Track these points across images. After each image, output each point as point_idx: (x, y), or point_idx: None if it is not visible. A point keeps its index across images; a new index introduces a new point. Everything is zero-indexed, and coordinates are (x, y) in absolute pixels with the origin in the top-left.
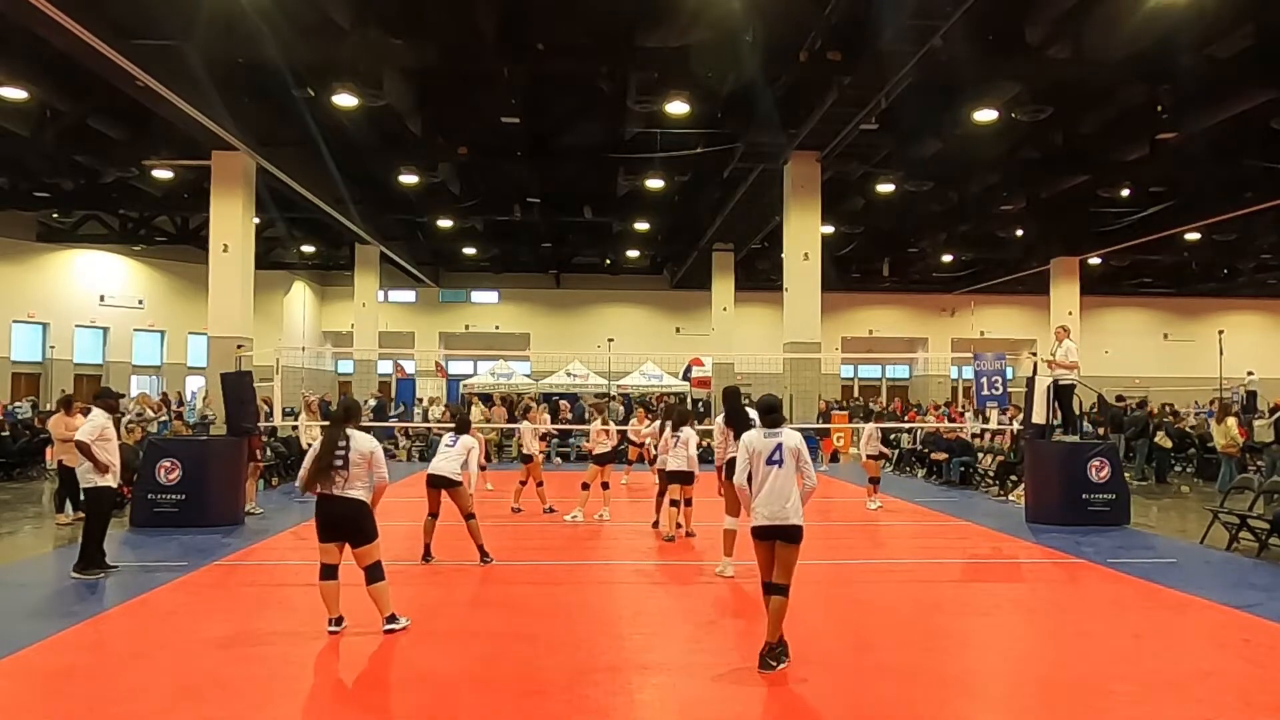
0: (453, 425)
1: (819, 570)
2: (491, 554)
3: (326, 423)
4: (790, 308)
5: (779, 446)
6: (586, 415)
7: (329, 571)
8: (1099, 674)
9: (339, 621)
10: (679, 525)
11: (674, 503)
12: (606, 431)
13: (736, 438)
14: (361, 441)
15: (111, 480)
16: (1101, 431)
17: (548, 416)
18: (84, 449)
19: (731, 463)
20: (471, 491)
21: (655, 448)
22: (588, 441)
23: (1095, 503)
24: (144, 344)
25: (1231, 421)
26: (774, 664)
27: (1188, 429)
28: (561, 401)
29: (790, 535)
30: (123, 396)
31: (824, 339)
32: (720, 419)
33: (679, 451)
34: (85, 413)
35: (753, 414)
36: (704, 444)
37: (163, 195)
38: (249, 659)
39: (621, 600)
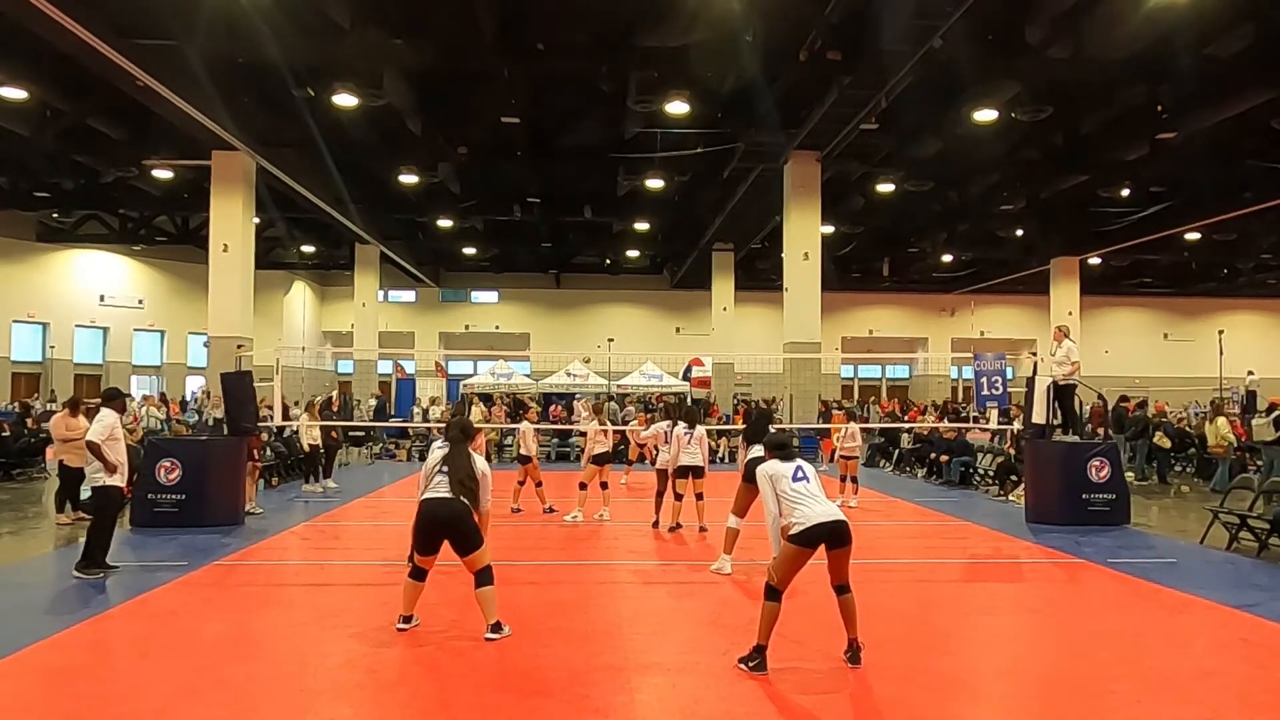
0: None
1: (819, 570)
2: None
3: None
4: (790, 308)
5: (799, 467)
6: (578, 414)
7: (419, 574)
8: (1099, 674)
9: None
10: (686, 523)
11: (679, 496)
12: (605, 432)
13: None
14: (478, 462)
15: (119, 480)
16: (1101, 431)
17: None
18: (94, 449)
19: (752, 461)
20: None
21: (656, 448)
22: (586, 440)
23: (1095, 503)
24: (144, 344)
25: (1222, 421)
26: (860, 658)
27: (1187, 429)
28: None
29: (847, 534)
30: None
31: (824, 339)
32: (742, 436)
33: (693, 448)
34: (90, 414)
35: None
36: (714, 444)
37: (163, 195)
38: (249, 659)
39: (621, 600)
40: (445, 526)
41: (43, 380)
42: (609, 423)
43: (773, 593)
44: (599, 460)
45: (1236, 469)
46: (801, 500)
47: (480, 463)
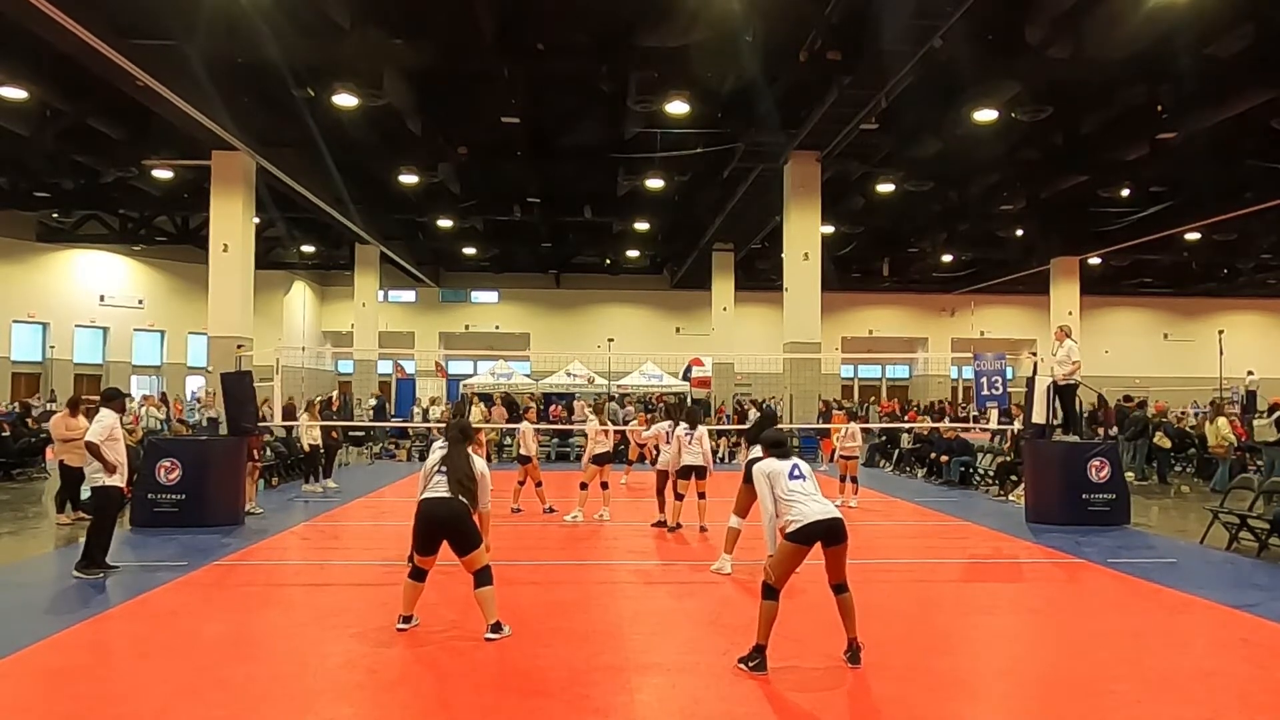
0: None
1: (818, 570)
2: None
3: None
4: (790, 308)
5: (795, 465)
6: (580, 413)
7: (419, 574)
8: (1099, 674)
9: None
10: (688, 523)
11: (680, 496)
12: (605, 432)
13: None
14: (476, 462)
15: (119, 480)
16: (1101, 432)
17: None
18: (93, 449)
19: (749, 464)
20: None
21: (657, 447)
22: (587, 440)
23: (1095, 503)
24: (144, 344)
25: (1222, 421)
26: (859, 658)
27: (1188, 429)
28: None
29: (843, 532)
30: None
31: (824, 339)
32: (745, 437)
33: (694, 448)
34: (90, 414)
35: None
36: (714, 444)
37: (163, 195)
38: (249, 659)
39: (621, 600)
40: (444, 526)
41: (43, 380)
42: (609, 423)
43: (770, 591)
44: (599, 460)
45: (1237, 469)
46: (797, 498)
47: (479, 463)
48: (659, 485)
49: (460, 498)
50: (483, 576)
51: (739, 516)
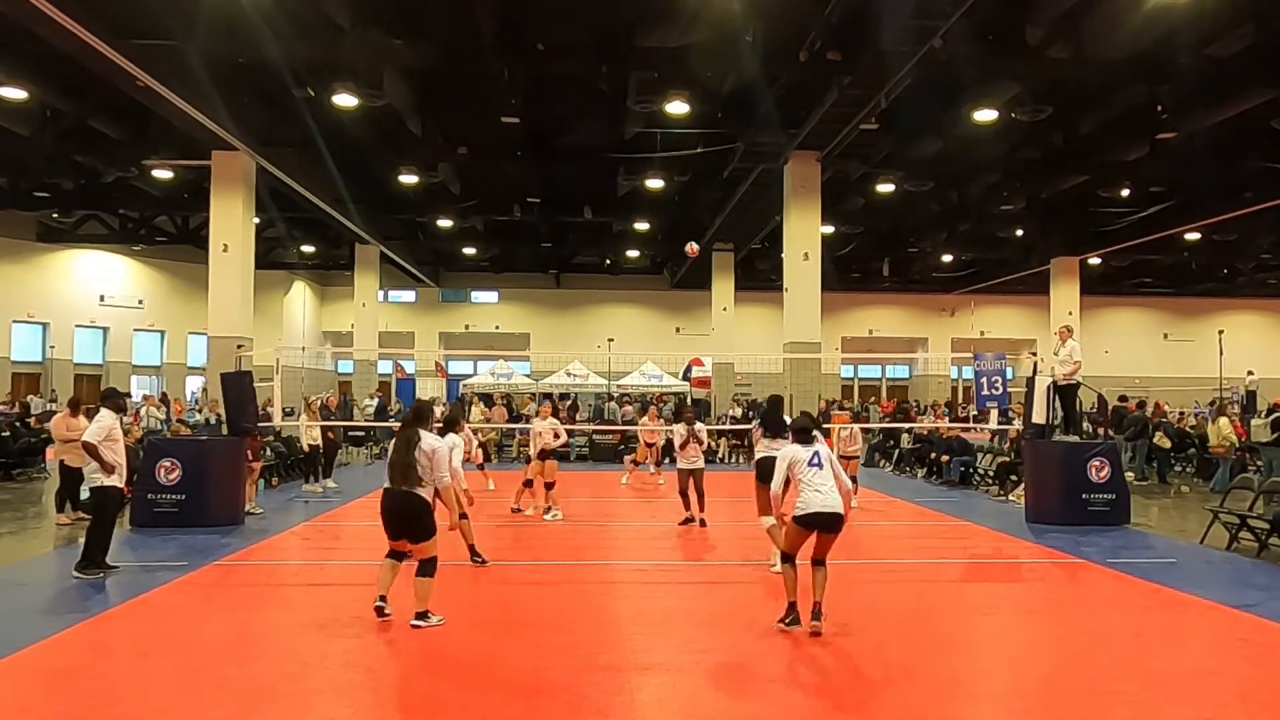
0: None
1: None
2: (485, 554)
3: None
4: (790, 308)
5: (816, 453)
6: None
7: (395, 554)
8: (1099, 674)
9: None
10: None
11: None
12: (555, 431)
13: (766, 436)
14: (427, 440)
15: (118, 480)
16: (1101, 431)
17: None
18: (91, 450)
19: (762, 462)
20: (465, 487)
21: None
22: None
23: (1095, 503)
24: (144, 344)
25: (1224, 421)
26: (820, 615)
27: (1188, 429)
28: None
29: (838, 524)
30: (128, 396)
31: (824, 339)
32: (757, 424)
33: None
34: (90, 414)
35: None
36: (714, 444)
37: (163, 195)
38: (249, 659)
39: (621, 600)
40: (394, 517)
41: (43, 380)
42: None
43: (787, 558)
44: (542, 456)
45: (1237, 469)
46: (808, 487)
47: (429, 439)
48: (681, 485)
49: (404, 488)
50: (425, 567)
51: (767, 516)
